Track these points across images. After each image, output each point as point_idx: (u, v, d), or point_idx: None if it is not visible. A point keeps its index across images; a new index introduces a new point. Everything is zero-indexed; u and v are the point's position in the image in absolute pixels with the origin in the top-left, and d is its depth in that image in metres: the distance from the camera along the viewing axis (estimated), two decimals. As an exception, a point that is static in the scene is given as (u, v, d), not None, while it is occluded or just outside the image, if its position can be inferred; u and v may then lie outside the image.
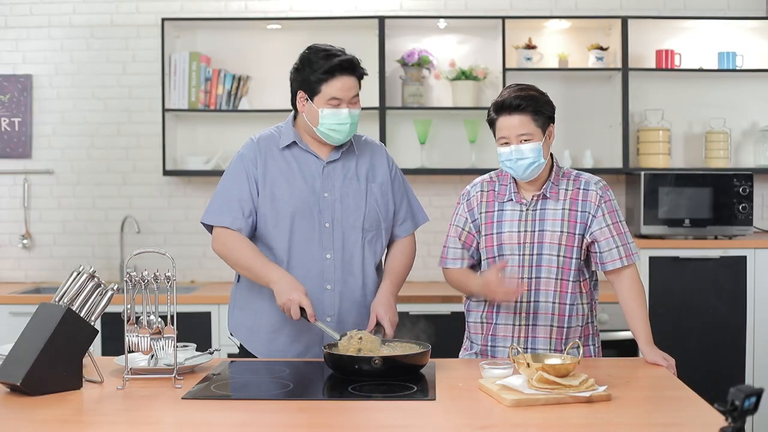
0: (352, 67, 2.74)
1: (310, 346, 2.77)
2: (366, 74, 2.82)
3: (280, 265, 2.73)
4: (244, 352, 2.84)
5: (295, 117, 2.86)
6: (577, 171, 2.79)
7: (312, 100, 2.73)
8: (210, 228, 2.82)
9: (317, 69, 2.71)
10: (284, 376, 2.49)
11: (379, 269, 2.90)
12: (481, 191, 2.78)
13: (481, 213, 2.76)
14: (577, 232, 2.69)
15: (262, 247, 2.79)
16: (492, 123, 2.69)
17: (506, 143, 2.65)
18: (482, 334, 2.77)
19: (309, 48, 2.78)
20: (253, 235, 2.81)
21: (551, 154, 2.74)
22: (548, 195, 2.71)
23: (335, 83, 2.71)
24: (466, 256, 2.77)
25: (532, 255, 2.69)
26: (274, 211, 2.76)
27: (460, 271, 2.79)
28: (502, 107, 2.65)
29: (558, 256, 2.68)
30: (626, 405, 2.14)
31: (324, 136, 2.76)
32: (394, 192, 2.89)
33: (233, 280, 2.93)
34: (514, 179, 2.72)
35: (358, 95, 2.79)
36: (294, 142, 2.81)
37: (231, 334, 2.89)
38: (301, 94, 2.76)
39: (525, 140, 2.63)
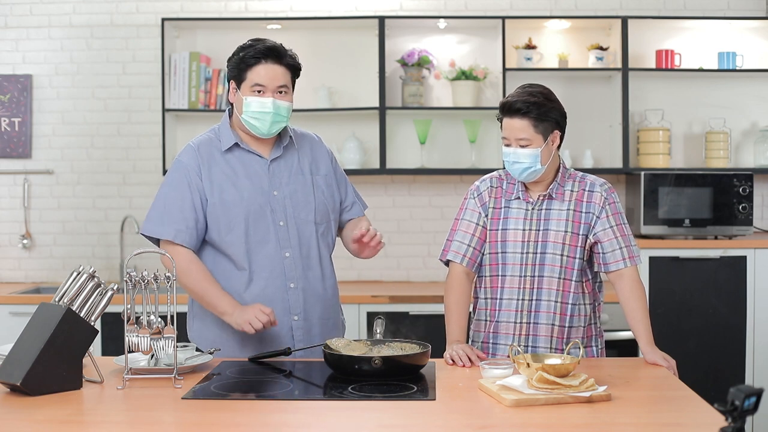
0: (278, 54, 2.70)
1: (283, 344, 2.73)
2: (299, 67, 2.77)
3: (241, 271, 2.71)
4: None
5: (230, 116, 2.82)
6: (582, 173, 2.80)
7: (239, 88, 2.72)
8: (155, 240, 2.75)
9: (245, 55, 2.69)
10: (284, 376, 2.49)
11: (331, 262, 2.89)
12: (491, 187, 2.79)
13: (489, 208, 2.77)
14: (581, 232, 2.70)
15: (219, 256, 2.74)
16: (500, 121, 2.72)
17: (508, 144, 2.68)
18: (484, 331, 2.77)
19: (248, 39, 2.77)
20: (204, 244, 2.76)
21: (559, 156, 2.76)
22: (554, 195, 2.72)
23: (259, 69, 2.68)
24: (469, 253, 2.77)
25: (536, 254, 2.70)
26: (227, 217, 2.71)
27: (459, 299, 2.76)
28: (505, 108, 2.67)
29: (561, 255, 2.68)
30: (626, 405, 2.14)
31: (247, 125, 2.72)
32: (337, 181, 2.89)
33: None
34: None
35: (287, 87, 2.72)
36: (236, 144, 2.77)
37: (197, 349, 2.71)
38: (232, 84, 2.74)
39: (523, 145, 2.64)
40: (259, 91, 2.69)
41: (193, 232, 2.72)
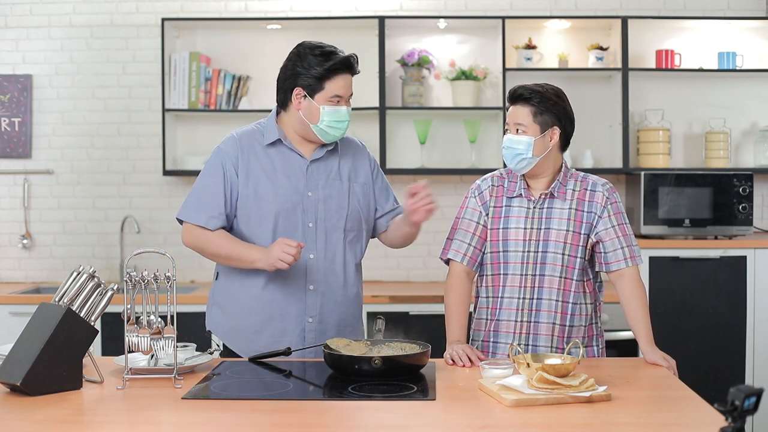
0: (352, 66, 2.75)
1: (293, 346, 2.74)
2: (359, 72, 2.82)
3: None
4: (227, 350, 2.83)
5: (277, 114, 2.84)
6: (584, 173, 2.81)
7: (312, 97, 2.72)
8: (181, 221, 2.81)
9: (318, 66, 2.70)
10: (284, 376, 2.49)
11: (358, 270, 2.90)
12: (492, 185, 2.79)
13: (490, 207, 2.77)
14: (582, 231, 2.70)
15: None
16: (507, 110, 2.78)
17: (507, 131, 2.72)
18: (484, 330, 2.77)
19: (302, 45, 2.77)
20: (232, 233, 2.79)
21: (562, 156, 2.77)
22: (556, 194, 2.72)
23: (339, 80, 2.72)
24: (470, 252, 2.77)
25: (537, 252, 2.70)
26: (258, 210, 2.75)
27: (459, 298, 2.76)
28: (511, 94, 2.72)
29: (563, 254, 2.69)
30: (626, 405, 2.14)
31: (321, 133, 2.75)
32: (377, 190, 2.90)
33: (212, 278, 2.92)
34: (524, 176, 2.74)
35: (352, 94, 2.80)
36: (279, 140, 2.79)
37: (209, 332, 2.87)
38: (298, 91, 2.73)
39: (518, 131, 2.67)
40: (337, 102, 2.73)
41: (224, 218, 2.76)
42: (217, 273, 2.88)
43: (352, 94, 2.78)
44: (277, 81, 2.81)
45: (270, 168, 2.77)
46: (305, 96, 2.73)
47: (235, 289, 2.80)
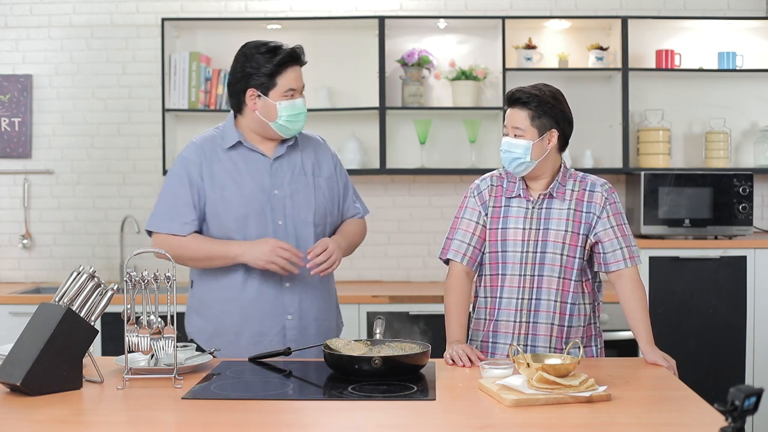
0: (299, 57, 2.77)
1: (275, 345, 2.75)
2: (306, 63, 2.82)
3: (237, 267, 2.74)
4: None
5: (235, 117, 2.84)
6: (583, 173, 2.81)
7: (266, 95, 2.73)
8: (149, 232, 2.81)
9: (267, 63, 2.71)
10: (284, 376, 2.49)
11: None
12: (491, 185, 2.79)
13: (489, 207, 2.77)
14: (581, 232, 2.70)
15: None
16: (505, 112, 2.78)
17: (506, 134, 2.71)
18: (483, 330, 2.77)
19: (246, 46, 2.78)
20: None
21: (561, 157, 2.76)
22: (554, 195, 2.72)
23: (289, 74, 2.74)
24: (469, 252, 2.77)
25: (536, 252, 2.70)
26: (227, 213, 2.75)
27: (459, 298, 2.75)
28: (509, 98, 2.72)
29: (561, 254, 2.69)
30: (626, 405, 2.14)
31: (282, 129, 2.76)
32: (338, 182, 2.91)
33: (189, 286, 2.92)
34: (523, 177, 2.74)
35: (304, 85, 2.81)
36: (239, 142, 2.80)
37: (191, 340, 2.83)
38: (251, 92, 2.74)
39: (517, 135, 2.67)
40: (292, 95, 2.74)
41: (196, 224, 2.76)
42: (192, 281, 2.88)
43: (304, 86, 2.79)
44: (228, 86, 2.81)
45: (234, 171, 2.78)
46: (259, 95, 2.74)
47: (212, 294, 2.80)
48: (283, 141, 2.82)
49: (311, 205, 2.81)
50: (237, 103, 2.79)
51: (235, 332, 2.77)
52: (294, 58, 2.74)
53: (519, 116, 2.68)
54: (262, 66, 2.71)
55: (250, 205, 2.75)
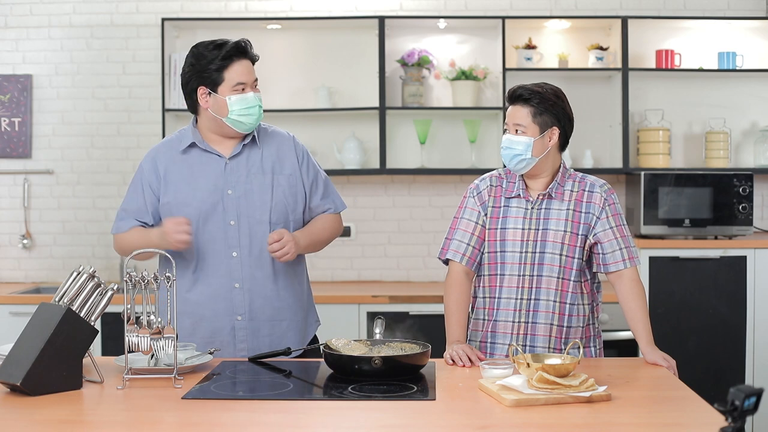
0: (246, 50, 2.76)
1: (225, 346, 2.75)
2: (257, 58, 2.81)
3: (188, 267, 2.77)
4: None
5: (196, 119, 2.85)
6: (582, 173, 2.81)
7: (216, 91, 2.73)
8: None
9: (213, 59, 2.72)
10: (284, 376, 2.49)
11: (298, 262, 2.88)
12: (490, 185, 2.79)
13: (489, 207, 2.77)
14: (580, 232, 2.70)
15: (173, 253, 2.74)
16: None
17: (506, 131, 2.72)
18: (482, 330, 2.77)
19: (195, 46, 2.79)
20: None
21: (561, 156, 2.77)
22: (554, 195, 2.72)
23: (236, 67, 2.73)
24: (469, 252, 2.77)
25: (535, 253, 2.70)
26: (181, 215, 2.74)
27: (459, 298, 2.75)
28: (510, 95, 2.72)
29: (560, 255, 2.69)
30: (626, 405, 2.14)
31: (235, 124, 2.75)
32: (303, 179, 2.86)
33: None
34: (523, 176, 2.74)
35: (257, 79, 2.80)
36: (193, 143, 2.80)
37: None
38: (202, 89, 2.75)
39: (517, 131, 2.67)
40: (242, 89, 2.73)
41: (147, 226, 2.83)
42: None
43: (257, 80, 2.79)
44: (182, 88, 2.82)
45: (187, 173, 2.79)
46: (209, 92, 2.74)
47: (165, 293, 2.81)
48: (241, 140, 2.81)
49: (267, 204, 2.79)
50: (192, 104, 2.80)
51: (188, 333, 2.76)
52: (240, 51, 2.74)
53: (521, 113, 2.68)
54: (209, 63, 2.72)
55: (201, 207, 2.76)
